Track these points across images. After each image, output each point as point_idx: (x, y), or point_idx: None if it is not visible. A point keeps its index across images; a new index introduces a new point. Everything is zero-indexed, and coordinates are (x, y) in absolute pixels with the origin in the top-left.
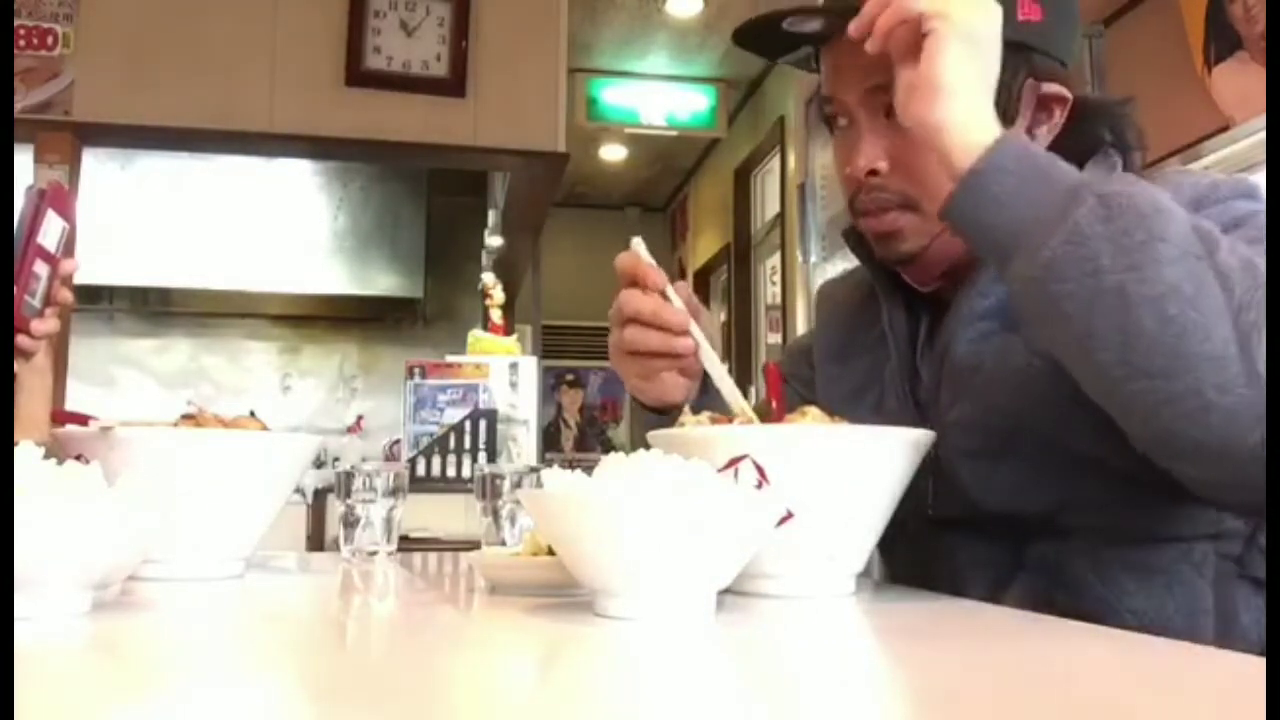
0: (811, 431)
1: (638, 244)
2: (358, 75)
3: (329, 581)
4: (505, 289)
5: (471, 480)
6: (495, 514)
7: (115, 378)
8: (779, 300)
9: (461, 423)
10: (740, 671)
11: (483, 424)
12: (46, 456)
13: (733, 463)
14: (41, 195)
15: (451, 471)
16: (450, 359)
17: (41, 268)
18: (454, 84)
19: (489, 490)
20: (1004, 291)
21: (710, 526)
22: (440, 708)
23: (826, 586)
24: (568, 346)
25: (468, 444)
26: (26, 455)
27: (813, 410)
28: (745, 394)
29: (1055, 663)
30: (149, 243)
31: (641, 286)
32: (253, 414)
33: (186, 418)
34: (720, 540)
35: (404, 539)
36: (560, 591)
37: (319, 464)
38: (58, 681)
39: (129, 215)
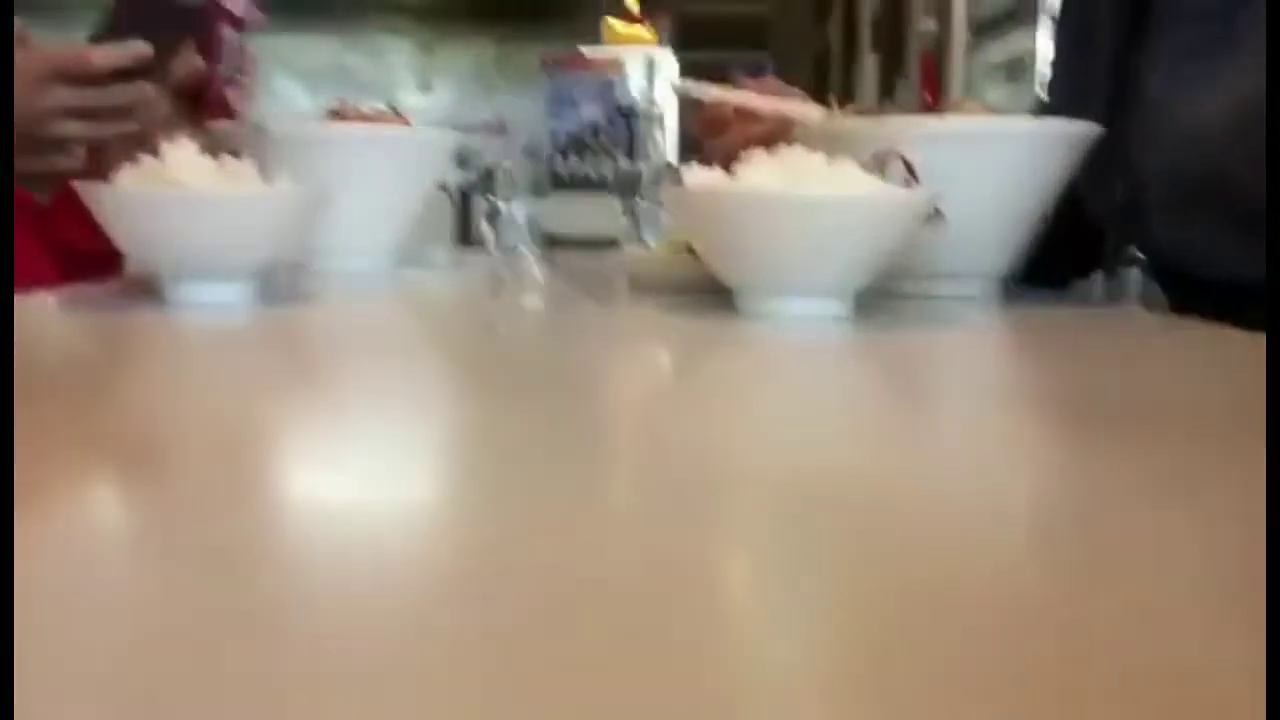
0: (963, 126)
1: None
2: None
3: (477, 276)
4: None
5: (611, 180)
6: (634, 213)
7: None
8: None
9: (600, 121)
10: (878, 370)
11: (622, 121)
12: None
13: (881, 159)
14: None
15: (591, 171)
16: (585, 50)
17: (231, 34)
18: None
19: (627, 189)
20: None
21: (856, 222)
22: (582, 398)
23: (971, 287)
24: (710, 38)
25: (607, 142)
26: (183, 150)
27: (971, 104)
28: (895, 88)
29: (1213, 370)
30: None
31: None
32: (394, 110)
33: (333, 114)
34: (865, 237)
35: (545, 238)
36: (701, 290)
37: (462, 162)
38: (230, 360)
39: None
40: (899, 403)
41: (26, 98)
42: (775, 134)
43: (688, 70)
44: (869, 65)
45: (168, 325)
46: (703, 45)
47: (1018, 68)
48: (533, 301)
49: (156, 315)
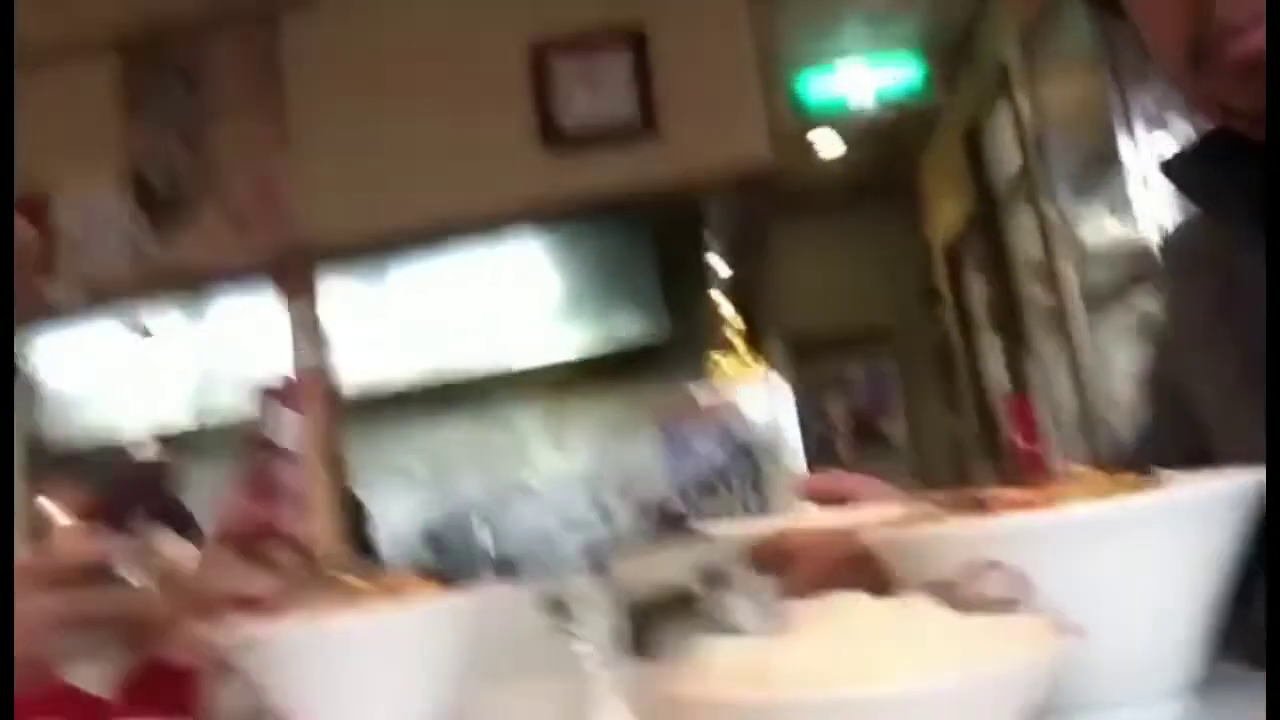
0: (1083, 515)
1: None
2: (553, 137)
3: None
4: (747, 308)
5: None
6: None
7: (408, 466)
8: (1041, 257)
9: (721, 461)
10: None
11: (744, 463)
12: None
13: (972, 574)
14: (272, 397)
15: (723, 515)
16: (699, 399)
17: (288, 473)
18: (648, 126)
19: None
20: None
21: (974, 700)
22: None
23: (1150, 713)
24: (822, 351)
25: (734, 485)
26: None
27: (1086, 473)
28: (993, 427)
29: None
30: (409, 340)
31: None
32: (426, 572)
33: (344, 586)
34: (996, 708)
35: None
36: None
37: (555, 610)
38: None
39: (384, 319)
40: None
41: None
42: (854, 550)
43: (810, 381)
44: (990, 346)
45: None
46: (819, 356)
47: (1148, 329)
48: None
49: None
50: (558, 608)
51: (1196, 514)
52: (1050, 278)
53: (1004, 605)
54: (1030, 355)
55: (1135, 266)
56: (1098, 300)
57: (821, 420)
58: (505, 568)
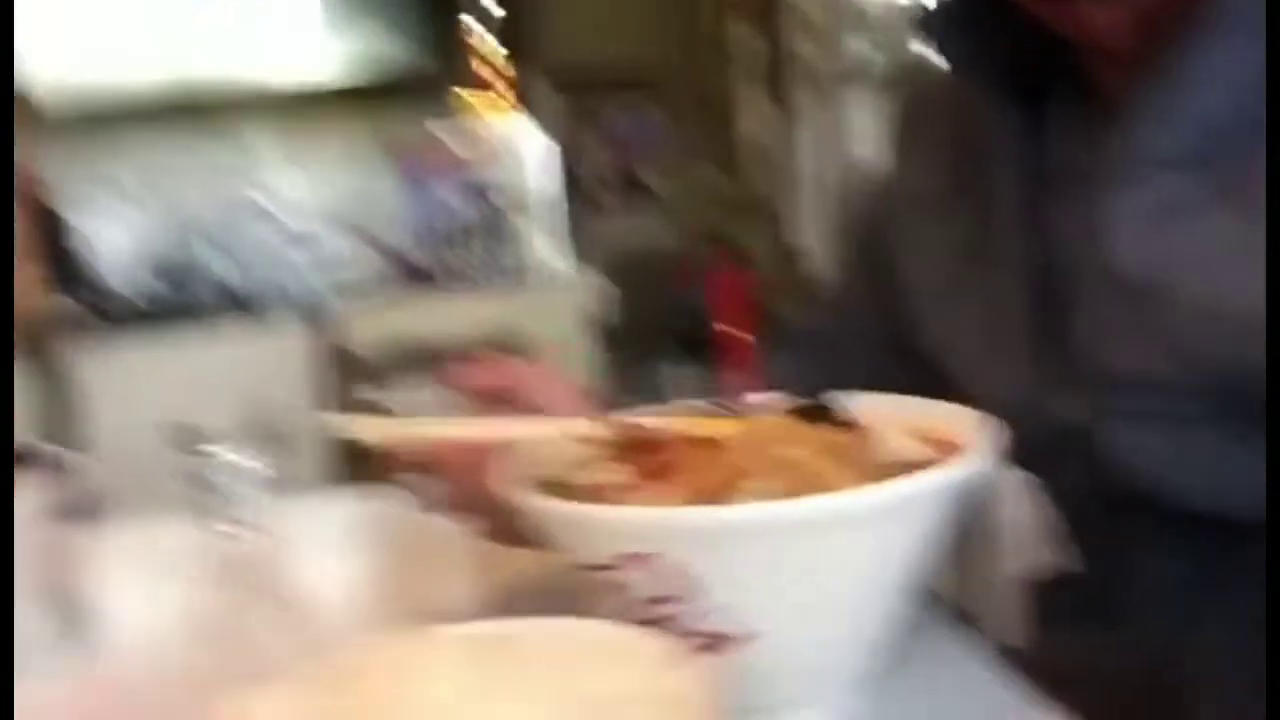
0: (767, 515)
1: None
2: None
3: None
4: (509, 42)
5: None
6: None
7: (130, 189)
8: (814, 15)
9: (465, 217)
10: None
11: (489, 215)
12: None
13: (630, 561)
14: None
15: (460, 268)
16: (447, 139)
17: None
18: None
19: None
20: (1224, 103)
21: None
22: None
23: (821, 706)
24: (586, 94)
25: (475, 235)
26: None
27: (778, 427)
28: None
29: None
30: (143, 40)
31: None
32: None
33: None
34: None
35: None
36: None
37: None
38: None
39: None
40: None
41: None
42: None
43: (572, 125)
44: (756, 101)
45: None
46: (583, 99)
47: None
48: None
49: None
50: (192, 444)
51: (895, 513)
52: (821, 37)
53: (656, 608)
54: (792, 116)
55: (908, 39)
56: (864, 70)
57: (582, 167)
58: (240, 299)
